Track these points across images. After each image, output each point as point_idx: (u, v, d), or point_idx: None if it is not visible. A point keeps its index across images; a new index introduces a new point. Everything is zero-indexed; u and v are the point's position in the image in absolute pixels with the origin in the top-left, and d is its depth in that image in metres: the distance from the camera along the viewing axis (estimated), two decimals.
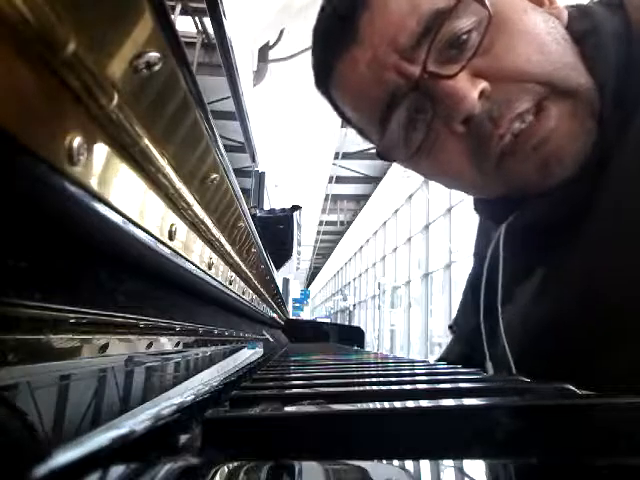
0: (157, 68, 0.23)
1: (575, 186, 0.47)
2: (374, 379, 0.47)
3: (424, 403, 0.28)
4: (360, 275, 15.28)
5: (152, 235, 0.31)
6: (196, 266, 0.44)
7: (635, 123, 0.44)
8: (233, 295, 0.71)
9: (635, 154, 0.44)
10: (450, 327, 0.78)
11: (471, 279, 0.73)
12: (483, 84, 0.44)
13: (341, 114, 0.58)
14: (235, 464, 0.22)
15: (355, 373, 0.53)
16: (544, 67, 0.44)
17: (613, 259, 0.45)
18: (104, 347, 0.29)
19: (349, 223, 12.44)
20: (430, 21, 0.45)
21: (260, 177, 3.38)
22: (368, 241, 14.09)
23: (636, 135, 0.44)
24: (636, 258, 0.42)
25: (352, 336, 2.59)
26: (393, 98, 0.48)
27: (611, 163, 0.45)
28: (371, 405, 0.28)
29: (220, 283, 0.58)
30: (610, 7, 0.51)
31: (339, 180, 9.35)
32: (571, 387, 0.32)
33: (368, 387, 0.40)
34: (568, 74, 0.45)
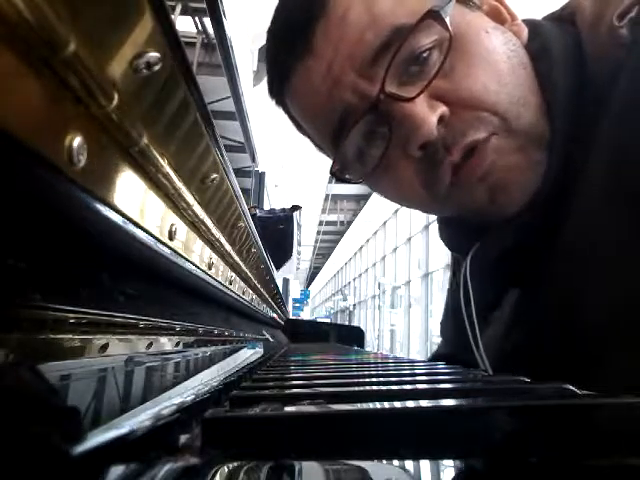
0: (157, 68, 0.23)
1: (530, 215, 0.46)
2: (374, 379, 0.47)
3: (424, 403, 0.28)
4: (360, 275, 15.28)
5: (152, 235, 0.31)
6: (196, 266, 0.45)
7: (595, 148, 0.43)
8: (233, 295, 0.71)
9: (596, 180, 0.43)
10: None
11: (450, 301, 0.73)
12: (442, 109, 0.43)
13: (297, 126, 0.56)
14: (235, 464, 0.22)
15: (355, 373, 0.53)
16: (501, 99, 0.44)
17: (580, 285, 0.44)
18: (104, 347, 0.29)
19: (349, 223, 12.44)
20: (390, 36, 0.43)
21: (260, 177, 3.38)
22: (368, 241, 14.09)
23: (596, 161, 0.43)
24: (600, 284, 0.42)
25: (352, 336, 2.59)
26: (348, 117, 0.46)
27: (575, 187, 0.44)
28: (371, 405, 0.28)
29: (220, 283, 0.58)
30: (561, 23, 0.50)
31: (339, 180, 9.36)
32: (571, 387, 0.32)
33: (368, 387, 0.40)
34: (520, 111, 0.44)
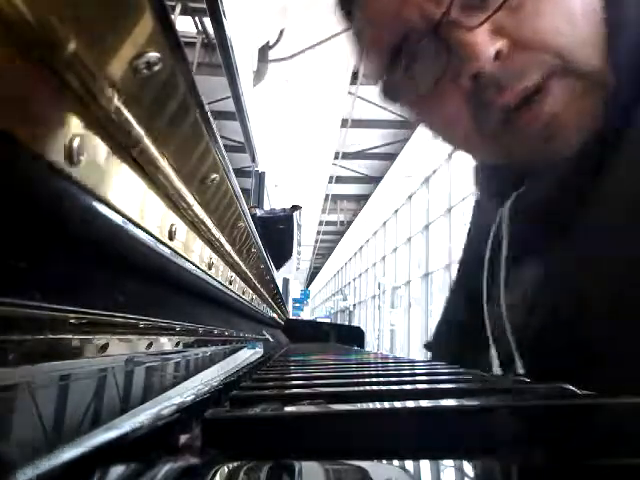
0: (157, 68, 0.23)
1: (578, 166, 0.45)
2: (374, 379, 0.47)
3: (424, 403, 0.28)
4: (360, 275, 15.28)
5: (152, 235, 0.31)
6: (196, 266, 0.45)
7: None
8: (233, 295, 0.71)
9: None
10: (426, 345, 0.74)
11: (465, 265, 0.70)
12: (501, 43, 0.42)
13: (355, 42, 0.55)
14: (235, 464, 0.22)
15: (355, 373, 0.53)
16: (567, 42, 0.43)
17: (616, 246, 0.43)
18: (104, 347, 0.29)
19: (349, 223, 12.43)
20: None
21: (260, 177, 3.38)
22: (368, 241, 14.09)
23: None
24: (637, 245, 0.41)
25: (352, 336, 2.59)
26: (409, 36, 0.46)
27: (621, 147, 0.43)
28: (371, 405, 0.28)
29: (220, 283, 0.58)
30: None
31: (339, 180, 9.35)
32: (571, 387, 0.32)
33: (368, 387, 0.40)
34: (585, 56, 0.43)
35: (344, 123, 6.75)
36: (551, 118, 0.43)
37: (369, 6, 0.49)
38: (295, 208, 2.45)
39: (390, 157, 8.01)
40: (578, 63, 0.43)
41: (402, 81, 0.49)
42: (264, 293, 1.13)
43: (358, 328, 3.05)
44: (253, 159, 3.01)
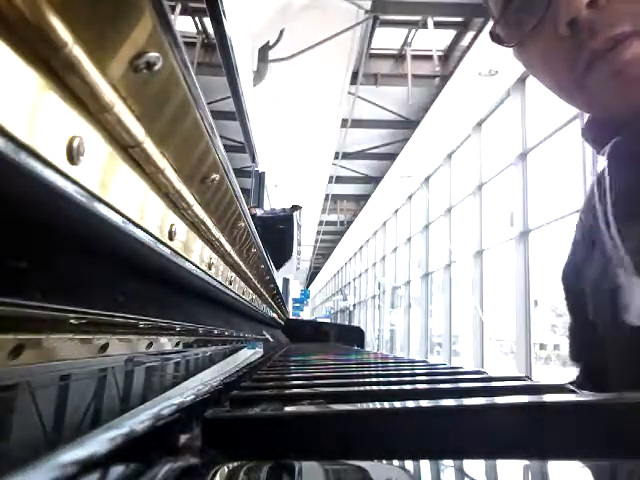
0: (157, 68, 0.23)
1: None
2: (374, 379, 0.47)
3: (424, 403, 0.28)
4: (360, 275, 15.27)
5: (152, 235, 0.31)
6: (196, 266, 0.44)
7: None
8: (233, 295, 0.71)
9: None
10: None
11: (580, 227, 0.66)
12: None
13: None
14: (235, 464, 0.22)
15: (355, 373, 0.53)
16: None
17: None
18: (104, 347, 0.29)
19: (349, 223, 12.43)
20: None
21: (260, 177, 3.38)
22: (368, 241, 14.09)
23: None
24: None
25: (352, 336, 2.59)
26: None
27: None
28: (371, 405, 0.28)
29: (220, 283, 0.58)
30: None
31: (339, 180, 9.34)
32: (571, 387, 0.32)
33: (368, 387, 0.40)
34: None
35: (344, 123, 6.75)
36: (629, 63, 0.46)
37: None
38: (295, 208, 2.46)
39: (390, 157, 8.01)
40: None
41: (512, 23, 0.53)
42: (264, 293, 1.13)
43: (358, 328, 3.05)
44: (253, 159, 3.01)
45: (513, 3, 0.52)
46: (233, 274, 0.68)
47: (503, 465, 0.22)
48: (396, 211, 11.08)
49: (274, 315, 1.60)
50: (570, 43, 0.48)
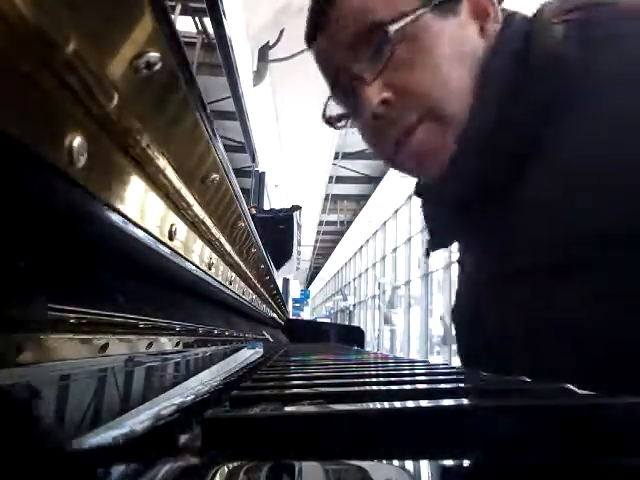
0: (157, 68, 0.23)
1: (445, 179, 0.60)
2: (374, 379, 0.47)
3: (424, 403, 0.28)
4: (360, 275, 15.28)
5: (152, 235, 0.31)
6: (196, 266, 0.45)
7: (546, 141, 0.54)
8: (233, 295, 0.71)
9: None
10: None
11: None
12: (386, 94, 0.57)
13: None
14: (235, 464, 0.22)
15: (355, 373, 0.53)
16: (433, 93, 0.56)
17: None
18: (104, 347, 0.29)
19: (349, 223, 12.43)
20: (364, 30, 0.57)
21: (260, 177, 3.38)
22: (368, 241, 14.09)
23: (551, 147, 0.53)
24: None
25: (352, 336, 2.59)
26: (337, 76, 0.63)
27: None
28: (371, 405, 0.28)
29: (220, 283, 0.58)
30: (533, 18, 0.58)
31: (339, 180, 9.34)
32: (571, 387, 0.32)
33: (368, 387, 0.40)
34: (450, 103, 0.56)
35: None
36: (417, 152, 0.59)
37: (318, 51, 0.66)
38: (295, 208, 2.46)
39: None
40: (442, 110, 0.57)
41: (338, 104, 0.66)
42: (264, 293, 1.13)
43: (358, 328, 3.05)
44: (253, 159, 3.01)
45: (335, 94, 0.64)
46: (233, 274, 0.68)
47: (503, 465, 0.22)
48: (396, 211, 11.07)
49: (274, 315, 1.60)
50: (378, 127, 0.60)
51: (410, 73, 0.57)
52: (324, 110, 0.67)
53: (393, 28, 0.56)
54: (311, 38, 0.67)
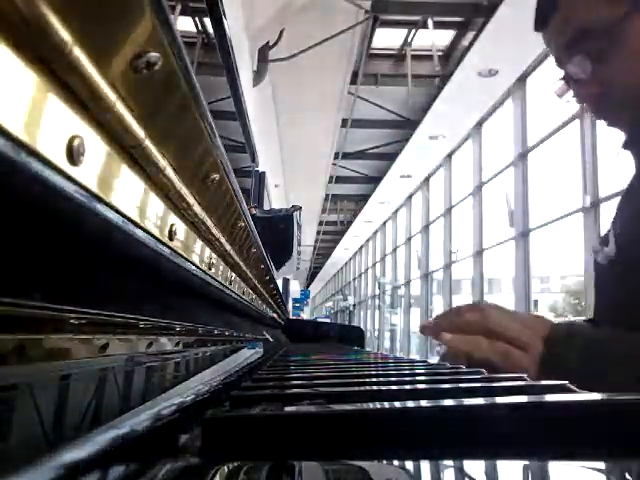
0: (157, 68, 0.23)
1: None
2: (374, 379, 0.47)
3: (424, 403, 0.28)
4: (360, 275, 15.28)
5: (152, 235, 0.31)
6: (196, 266, 0.44)
7: None
8: (233, 295, 0.71)
9: None
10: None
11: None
12: (596, 89, 0.72)
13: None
14: (235, 464, 0.22)
15: (355, 373, 0.53)
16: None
17: None
18: (104, 347, 0.29)
19: (349, 223, 12.43)
20: (576, 34, 0.71)
21: (260, 177, 3.37)
22: (368, 241, 14.09)
23: None
24: None
25: (352, 336, 2.59)
26: (559, 62, 0.78)
27: None
28: (371, 405, 0.28)
29: (220, 283, 0.58)
30: None
31: (339, 180, 9.34)
32: (571, 386, 0.32)
33: (368, 387, 0.40)
34: None
35: (344, 123, 6.75)
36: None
37: (547, 43, 0.80)
38: (295, 208, 2.46)
39: (390, 157, 8.01)
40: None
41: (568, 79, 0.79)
42: (264, 293, 1.13)
43: (358, 328, 3.05)
44: (253, 159, 3.01)
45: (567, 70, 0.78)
46: (233, 274, 0.68)
47: (503, 465, 0.22)
48: (396, 211, 11.08)
49: (274, 315, 1.60)
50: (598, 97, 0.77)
51: (621, 68, 0.70)
52: (555, 85, 0.80)
53: (607, 27, 0.68)
54: (539, 30, 0.80)
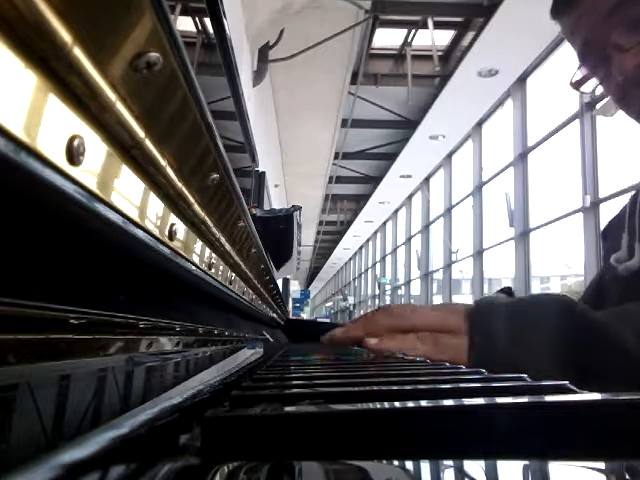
0: (157, 68, 0.23)
1: None
2: (374, 379, 0.47)
3: (424, 403, 0.28)
4: (360, 275, 15.28)
5: (152, 235, 0.31)
6: (196, 266, 0.45)
7: None
8: (233, 295, 0.71)
9: None
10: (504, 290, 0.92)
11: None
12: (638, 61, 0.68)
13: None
14: (235, 464, 0.22)
15: (355, 373, 0.53)
16: None
17: None
18: (104, 347, 0.29)
19: (349, 223, 12.43)
20: (613, 6, 0.68)
21: (260, 177, 3.37)
22: (368, 241, 14.10)
23: None
24: None
25: None
26: (588, 46, 0.74)
27: None
28: (371, 405, 0.28)
29: (220, 283, 0.58)
30: None
31: (339, 180, 9.34)
32: (571, 386, 0.32)
33: (368, 387, 0.40)
34: None
35: (344, 123, 6.75)
36: None
37: (567, 24, 0.78)
38: (295, 208, 2.46)
39: (390, 157, 8.01)
40: None
41: (590, 70, 0.78)
42: (264, 293, 1.13)
43: None
44: (253, 159, 3.01)
45: (585, 60, 0.76)
46: (233, 274, 0.68)
47: (503, 465, 0.22)
48: (396, 211, 11.08)
49: (274, 315, 1.60)
50: (632, 86, 0.70)
51: None
52: (572, 77, 0.78)
53: None
54: (563, 13, 0.78)
